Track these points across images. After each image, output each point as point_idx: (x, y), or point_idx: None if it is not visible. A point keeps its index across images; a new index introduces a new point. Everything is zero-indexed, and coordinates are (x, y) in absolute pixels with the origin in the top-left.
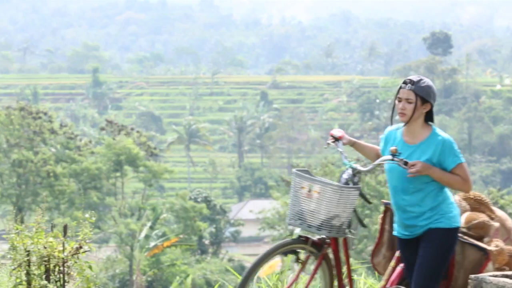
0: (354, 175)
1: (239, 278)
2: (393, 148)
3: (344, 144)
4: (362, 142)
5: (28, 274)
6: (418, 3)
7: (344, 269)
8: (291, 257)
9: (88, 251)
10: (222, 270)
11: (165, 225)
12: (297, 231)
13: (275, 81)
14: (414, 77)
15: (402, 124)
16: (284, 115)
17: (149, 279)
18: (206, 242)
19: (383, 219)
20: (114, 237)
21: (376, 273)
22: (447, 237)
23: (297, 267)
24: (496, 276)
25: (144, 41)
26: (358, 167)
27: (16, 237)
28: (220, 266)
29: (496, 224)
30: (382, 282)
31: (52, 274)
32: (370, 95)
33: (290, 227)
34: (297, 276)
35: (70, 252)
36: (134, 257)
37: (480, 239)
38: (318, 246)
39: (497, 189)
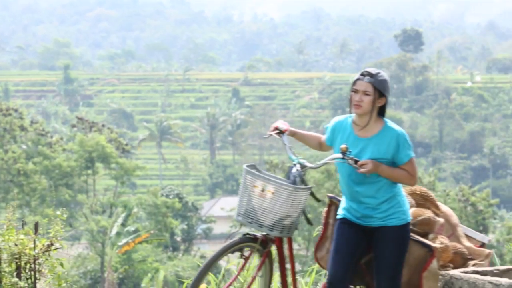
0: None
1: (211, 275)
2: (343, 146)
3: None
4: (302, 131)
5: None
6: (389, 0)
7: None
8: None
9: (60, 248)
10: (194, 267)
11: (136, 221)
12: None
13: (247, 78)
14: (372, 70)
15: (351, 114)
16: (255, 112)
17: (120, 276)
18: (178, 239)
19: (327, 213)
20: (86, 234)
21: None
22: (403, 233)
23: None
24: (466, 272)
25: (115, 37)
26: (306, 163)
27: None
28: (192, 263)
29: (441, 220)
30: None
31: (23, 272)
32: (342, 92)
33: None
34: (239, 272)
35: (41, 249)
36: (106, 254)
37: (425, 235)
38: (264, 243)
39: (468, 186)
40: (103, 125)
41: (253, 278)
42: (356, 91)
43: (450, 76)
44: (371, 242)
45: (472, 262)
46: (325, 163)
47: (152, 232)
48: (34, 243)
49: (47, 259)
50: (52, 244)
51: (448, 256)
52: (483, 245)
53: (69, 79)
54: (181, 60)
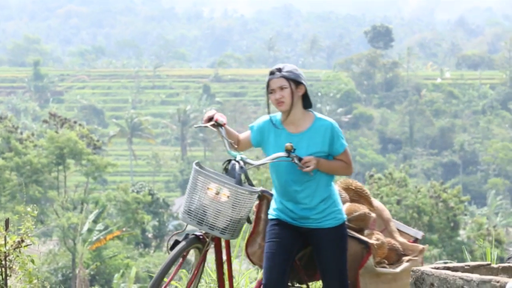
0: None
1: (183, 271)
2: (288, 144)
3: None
4: (228, 127)
5: None
6: None
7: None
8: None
9: (30, 244)
10: None
11: (106, 218)
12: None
13: (218, 74)
14: (278, 66)
15: (278, 113)
16: (226, 108)
17: (92, 272)
18: (149, 235)
19: (259, 207)
20: (57, 231)
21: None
22: (341, 232)
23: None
24: (437, 268)
25: (86, 34)
26: (248, 160)
27: None
28: (163, 259)
29: (373, 215)
30: (260, 274)
31: None
32: (312, 89)
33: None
34: (177, 270)
35: (12, 246)
36: (77, 251)
37: (360, 231)
38: (204, 242)
39: (439, 183)
40: (75, 122)
41: (194, 276)
42: (273, 91)
43: (420, 73)
44: (307, 241)
45: (406, 258)
46: (269, 161)
47: (124, 229)
48: (5, 239)
49: (18, 256)
50: (23, 241)
51: (384, 253)
52: (416, 240)
53: (39, 76)
54: (152, 57)
